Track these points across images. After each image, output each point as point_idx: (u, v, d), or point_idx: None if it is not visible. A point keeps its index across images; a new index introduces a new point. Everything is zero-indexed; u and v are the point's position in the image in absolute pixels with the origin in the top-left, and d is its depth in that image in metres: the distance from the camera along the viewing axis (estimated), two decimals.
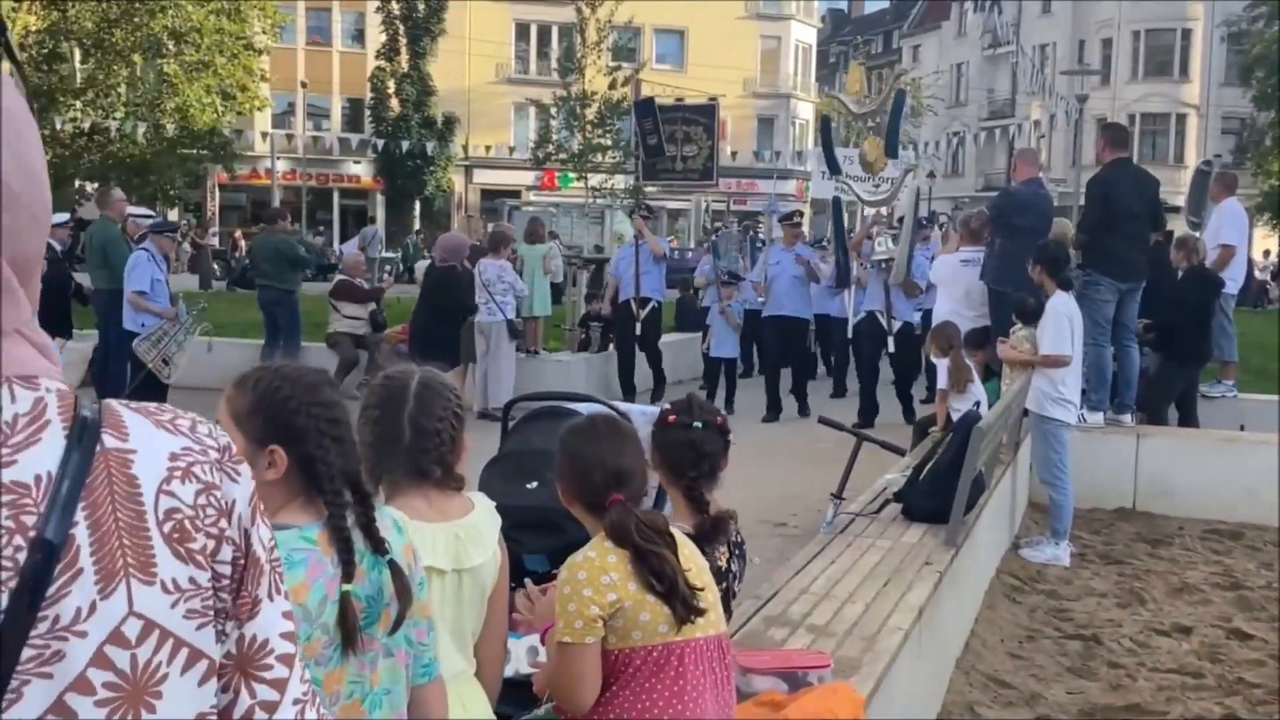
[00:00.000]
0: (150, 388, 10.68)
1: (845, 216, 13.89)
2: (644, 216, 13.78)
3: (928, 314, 12.00)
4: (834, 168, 13.37)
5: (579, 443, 2.81)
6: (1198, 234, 12.11)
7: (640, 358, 13.44)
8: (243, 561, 1.18)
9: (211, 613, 1.14)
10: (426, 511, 2.46)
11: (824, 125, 14.54)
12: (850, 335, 12.94)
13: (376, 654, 2.08)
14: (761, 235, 18.15)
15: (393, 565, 2.08)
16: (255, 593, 1.19)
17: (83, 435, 1.10)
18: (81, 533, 1.06)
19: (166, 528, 1.11)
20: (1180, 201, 17.87)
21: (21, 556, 1.03)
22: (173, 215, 34.16)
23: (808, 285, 12.93)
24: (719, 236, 19.13)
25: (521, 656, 3.55)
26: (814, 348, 15.33)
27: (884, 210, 13.10)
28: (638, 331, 13.35)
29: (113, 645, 1.06)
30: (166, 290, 10.78)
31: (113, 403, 1.16)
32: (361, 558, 2.07)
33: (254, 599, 1.18)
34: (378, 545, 2.09)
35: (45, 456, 1.07)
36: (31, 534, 1.03)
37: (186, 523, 1.12)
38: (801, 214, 14.84)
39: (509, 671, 3.36)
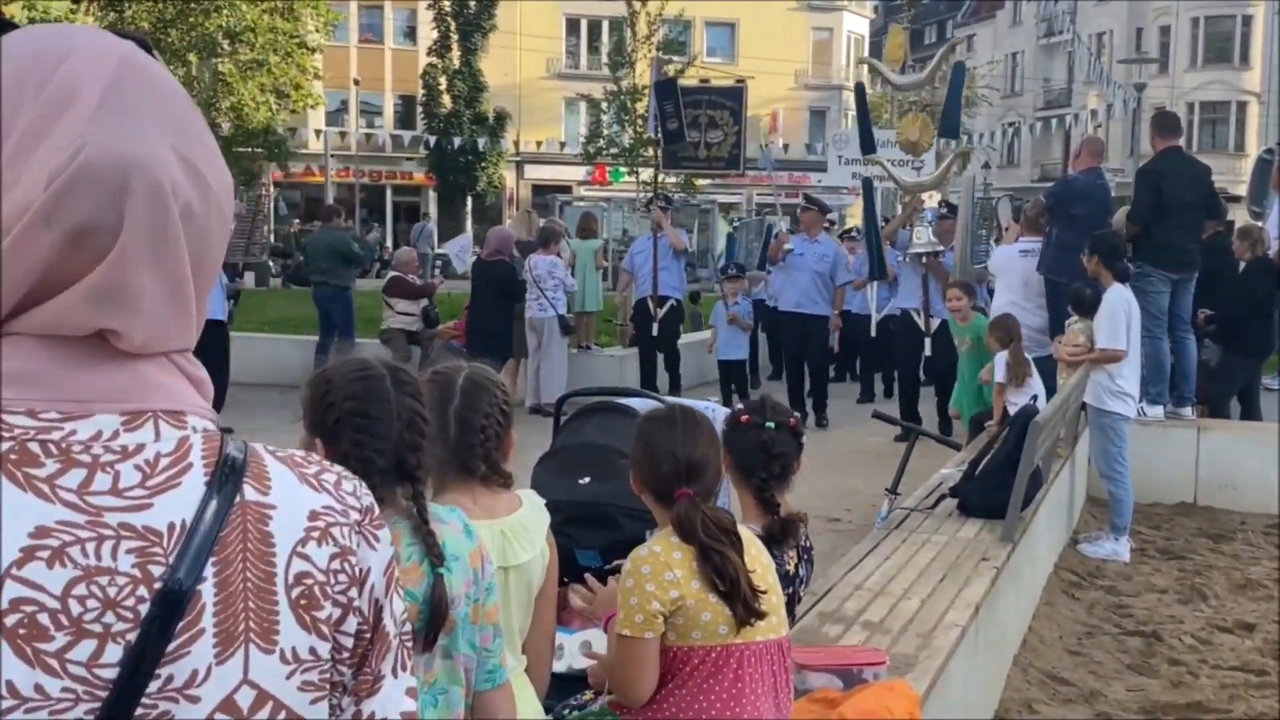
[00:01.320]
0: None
1: (878, 201, 12.81)
2: (662, 207, 13.03)
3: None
4: (868, 146, 12.00)
5: (654, 431, 2.77)
6: (1261, 224, 11.89)
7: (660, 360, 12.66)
8: (369, 634, 1.09)
9: (328, 686, 1.06)
10: (472, 508, 2.45)
11: (859, 94, 12.79)
12: (874, 333, 12.20)
13: (434, 655, 2.07)
14: (772, 222, 16.67)
15: (439, 579, 2.05)
16: (379, 668, 1.11)
17: (224, 483, 1.02)
18: (208, 590, 0.99)
19: (295, 593, 1.04)
20: (1241, 191, 17.59)
21: (144, 608, 0.96)
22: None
23: (830, 281, 11.89)
24: (737, 226, 17.96)
25: (575, 652, 3.55)
26: (836, 347, 14.21)
27: (923, 196, 11.89)
28: (654, 332, 12.57)
29: (223, 713, 0.99)
30: (222, 285, 10.91)
31: (259, 449, 1.08)
32: (422, 559, 2.05)
33: (376, 674, 1.11)
34: (433, 556, 2.06)
35: (182, 503, 1.00)
36: (157, 585, 0.97)
37: (316, 589, 1.05)
38: (819, 203, 13.11)
39: (562, 667, 3.37)
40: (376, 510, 1.13)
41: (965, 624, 4.34)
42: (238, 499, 1.03)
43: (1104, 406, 7.74)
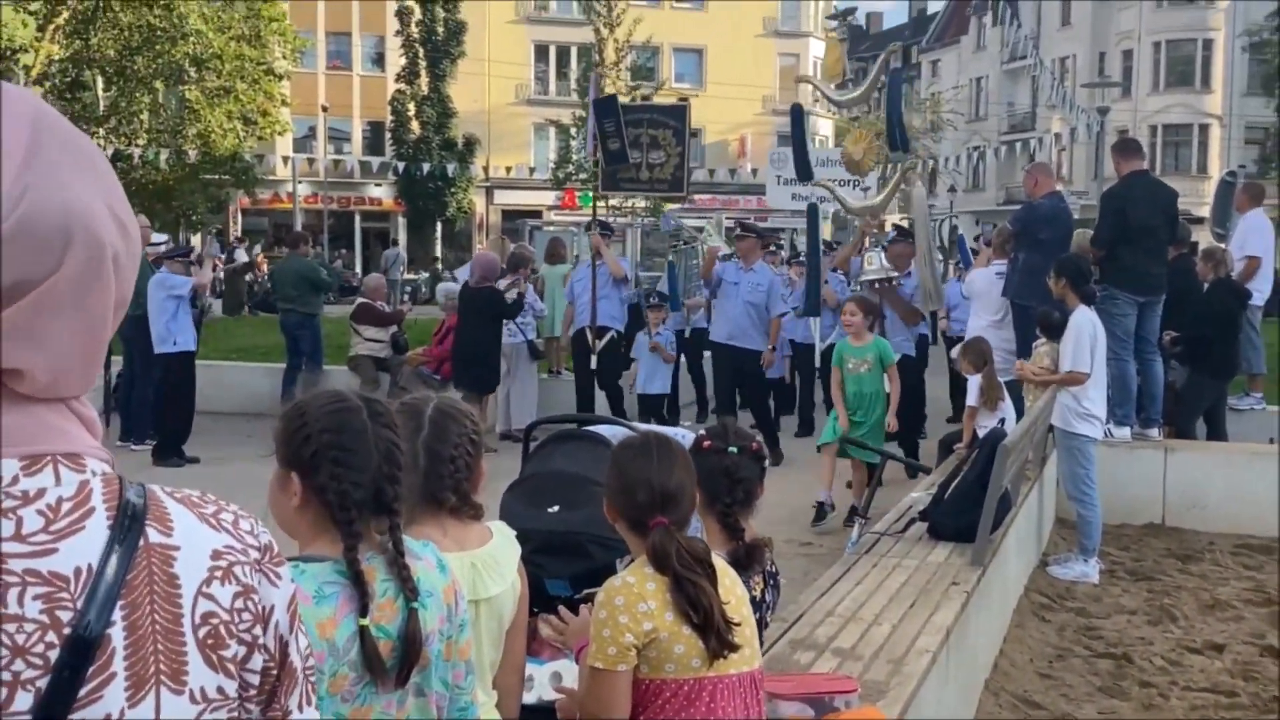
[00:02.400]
0: (176, 411, 10.76)
1: (822, 228, 12.02)
2: (601, 234, 12.35)
3: (922, 340, 11.40)
4: (803, 172, 11.31)
5: (630, 459, 2.74)
6: (1223, 246, 12.02)
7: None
8: (275, 671, 1.12)
9: None
10: (442, 541, 2.42)
11: (795, 116, 11.53)
12: (819, 364, 11.20)
13: (406, 692, 2.05)
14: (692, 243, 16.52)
15: (413, 614, 2.02)
16: (287, 704, 1.13)
17: (128, 526, 1.03)
18: (118, 634, 1.00)
19: (202, 633, 1.05)
20: (1204, 213, 17.77)
21: (53, 654, 0.96)
22: (195, 240, 34.44)
23: (765, 313, 11.02)
24: (677, 253, 16.72)
25: (544, 683, 3.52)
26: (789, 377, 13.50)
27: (873, 219, 10.87)
28: (593, 365, 11.74)
29: None
30: (189, 312, 10.84)
31: (157, 490, 1.10)
32: (397, 594, 2.03)
33: (285, 710, 1.13)
34: (407, 590, 2.03)
35: (87, 547, 1.00)
36: (66, 631, 0.97)
37: (222, 628, 1.07)
38: (755, 229, 12.25)
39: (531, 698, 3.33)
40: (275, 548, 1.15)
41: (936, 649, 4.34)
42: (142, 542, 1.04)
43: (1071, 429, 7.78)
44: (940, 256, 12.39)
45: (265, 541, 1.14)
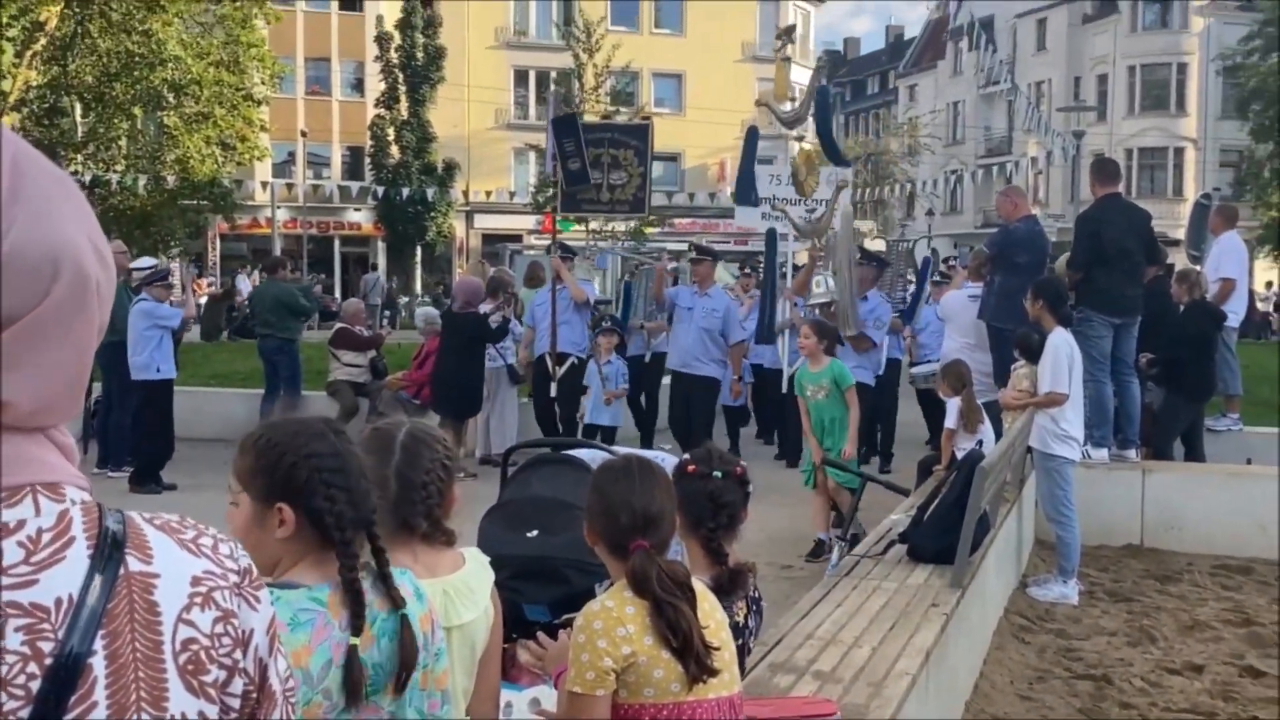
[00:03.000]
0: (155, 437, 10.72)
1: (779, 251, 11.73)
2: (562, 257, 12.01)
3: (892, 364, 11.37)
4: (742, 196, 11.12)
5: (610, 481, 2.74)
6: (1198, 268, 12.11)
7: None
8: (255, 695, 1.13)
9: None
10: (413, 567, 2.41)
11: (749, 138, 11.49)
12: (785, 389, 10.50)
13: None
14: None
15: (404, 621, 2.03)
16: None
17: (108, 556, 1.04)
18: (99, 662, 1.00)
19: (182, 659, 1.06)
20: (1181, 235, 17.89)
21: (35, 685, 0.97)
22: (174, 266, 34.31)
23: (721, 339, 10.81)
24: (634, 274, 16.00)
25: (523, 709, 3.51)
26: (749, 404, 13.54)
27: (820, 241, 10.70)
28: (553, 392, 11.35)
29: None
30: (171, 341, 10.85)
31: (136, 517, 1.11)
32: (373, 622, 2.02)
33: None
34: (395, 598, 2.04)
35: (67, 577, 1.01)
36: (48, 661, 0.98)
37: (202, 654, 1.08)
38: (711, 252, 11.99)
39: None
40: (254, 571, 1.16)
41: (916, 671, 4.34)
42: (122, 570, 1.04)
43: (1049, 450, 7.81)
44: (912, 279, 12.31)
45: (244, 565, 1.15)
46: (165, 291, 11.06)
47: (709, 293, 10.91)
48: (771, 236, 11.53)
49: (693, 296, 10.98)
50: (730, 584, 3.11)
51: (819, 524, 8.42)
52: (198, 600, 1.08)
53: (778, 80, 11.75)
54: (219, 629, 1.09)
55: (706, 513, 3.18)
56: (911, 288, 12.35)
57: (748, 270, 13.58)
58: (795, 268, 12.38)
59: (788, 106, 10.94)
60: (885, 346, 11.32)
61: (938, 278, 13.17)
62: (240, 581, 1.13)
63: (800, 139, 10.30)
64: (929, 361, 11.96)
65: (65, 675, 0.98)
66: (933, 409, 12.54)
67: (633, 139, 11.93)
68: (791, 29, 11.48)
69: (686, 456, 3.41)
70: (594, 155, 11.55)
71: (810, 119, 11.00)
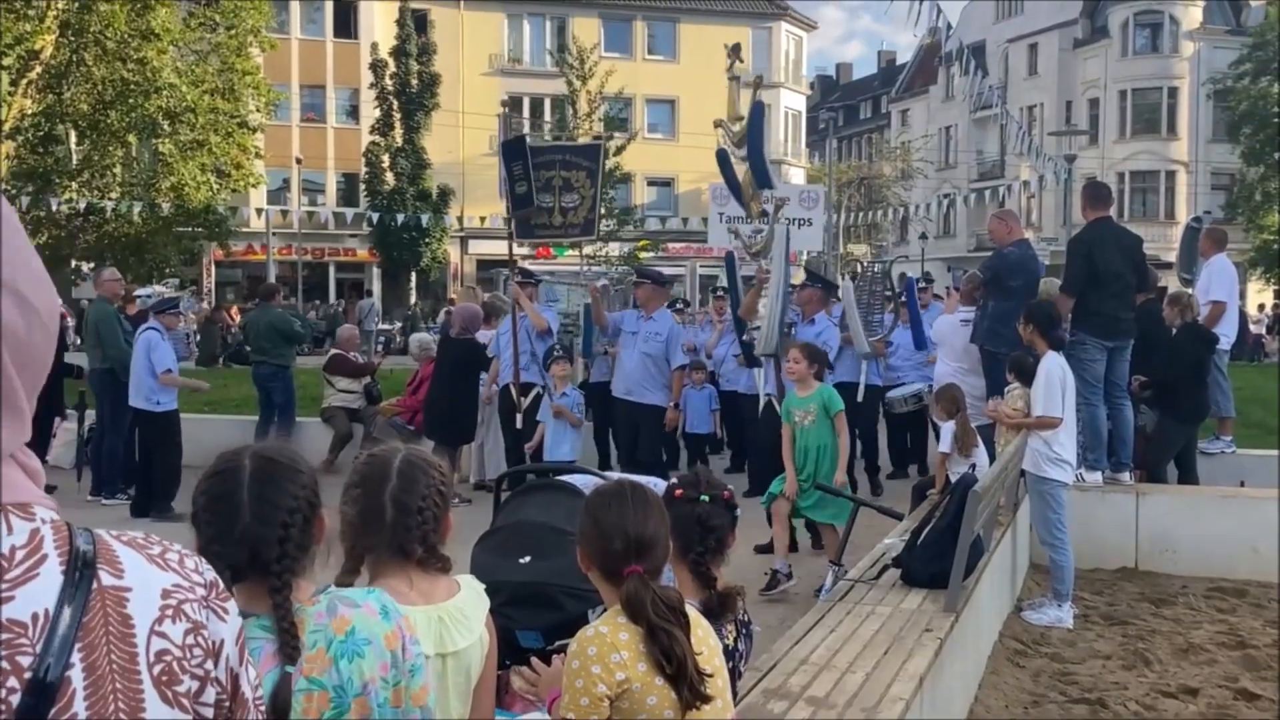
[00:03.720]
0: (161, 466, 10.70)
1: (794, 271, 11.38)
2: (521, 283, 11.28)
3: (871, 390, 11.24)
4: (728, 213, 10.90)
5: (604, 506, 2.73)
6: (1190, 290, 12.14)
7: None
8: (228, 703, 1.15)
9: None
10: (408, 593, 2.41)
11: (720, 161, 10.98)
12: (760, 413, 10.18)
13: None
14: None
15: (284, 678, 1.96)
16: None
17: (81, 571, 1.06)
18: (77, 675, 1.02)
19: (156, 670, 1.08)
20: (1172, 258, 17.96)
21: (15, 699, 0.99)
22: (170, 292, 34.31)
23: (665, 364, 10.35)
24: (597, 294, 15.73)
25: None
26: (719, 431, 13.35)
27: (765, 262, 10.08)
28: (518, 424, 10.72)
29: None
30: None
31: (104, 534, 1.13)
32: (329, 645, 2.01)
33: None
34: (288, 646, 1.98)
35: (43, 593, 1.03)
36: (27, 675, 1.00)
37: (175, 665, 1.10)
38: (659, 275, 11.57)
39: None
40: (221, 584, 1.19)
41: (910, 697, 4.33)
42: (95, 585, 1.07)
43: (1042, 473, 7.82)
44: (880, 304, 12.13)
45: (210, 578, 1.18)
46: (175, 319, 11.07)
47: (654, 316, 10.52)
48: (730, 261, 11.20)
49: (637, 320, 10.60)
50: (720, 608, 3.11)
51: (779, 551, 8.20)
52: (169, 612, 1.11)
53: (729, 100, 11.46)
54: (190, 640, 1.12)
55: (695, 537, 3.19)
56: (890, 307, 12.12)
57: (720, 293, 13.42)
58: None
59: (737, 127, 10.69)
60: (864, 372, 11.27)
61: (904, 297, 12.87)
62: (208, 594, 1.16)
63: (745, 159, 10.03)
64: (902, 384, 11.90)
65: (45, 689, 1.00)
66: (900, 435, 12.51)
67: (585, 160, 11.56)
68: (738, 47, 11.16)
69: (674, 481, 3.41)
70: (545, 178, 11.16)
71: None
